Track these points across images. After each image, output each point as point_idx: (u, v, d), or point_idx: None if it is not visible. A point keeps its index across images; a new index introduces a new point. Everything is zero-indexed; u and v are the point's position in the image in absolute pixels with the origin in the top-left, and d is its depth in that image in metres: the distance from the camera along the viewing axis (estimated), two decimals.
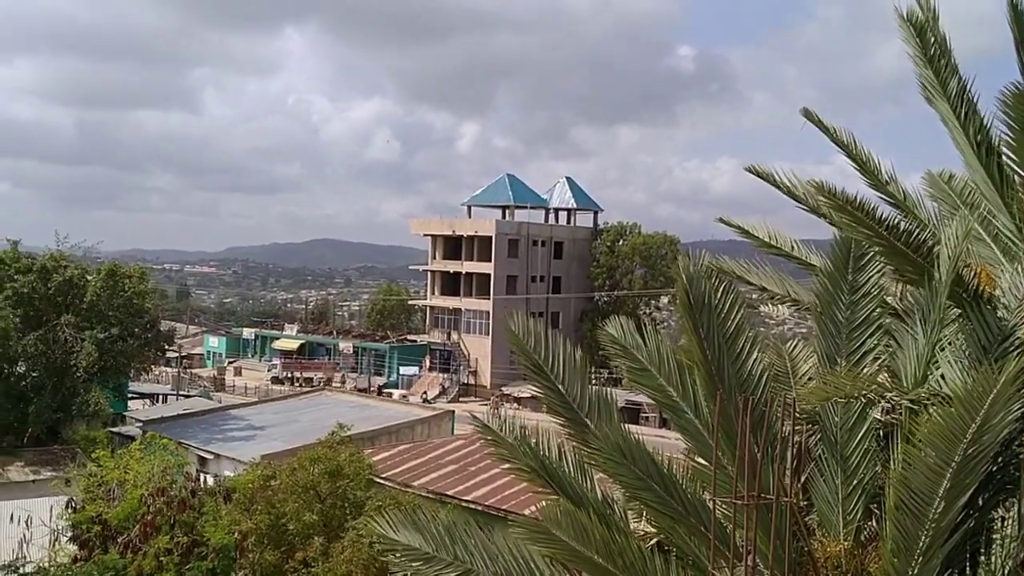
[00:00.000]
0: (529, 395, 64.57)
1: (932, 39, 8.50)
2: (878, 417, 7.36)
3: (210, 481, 21.55)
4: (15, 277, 34.31)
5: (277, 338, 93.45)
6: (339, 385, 67.87)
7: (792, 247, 9.70)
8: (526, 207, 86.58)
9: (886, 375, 7.33)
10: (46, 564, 18.24)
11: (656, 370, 7.76)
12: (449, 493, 18.41)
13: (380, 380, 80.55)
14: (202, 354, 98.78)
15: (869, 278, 7.63)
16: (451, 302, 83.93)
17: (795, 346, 8.80)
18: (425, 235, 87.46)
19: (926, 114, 8.88)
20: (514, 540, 7.57)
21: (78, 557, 17.50)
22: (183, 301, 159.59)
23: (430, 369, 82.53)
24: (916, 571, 6.23)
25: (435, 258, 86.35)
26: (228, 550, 16.46)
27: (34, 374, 34.70)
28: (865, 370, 7.31)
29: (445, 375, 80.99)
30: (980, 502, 6.57)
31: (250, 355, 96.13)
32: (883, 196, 9.18)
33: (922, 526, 6.11)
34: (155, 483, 18.13)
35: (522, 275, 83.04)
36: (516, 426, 8.07)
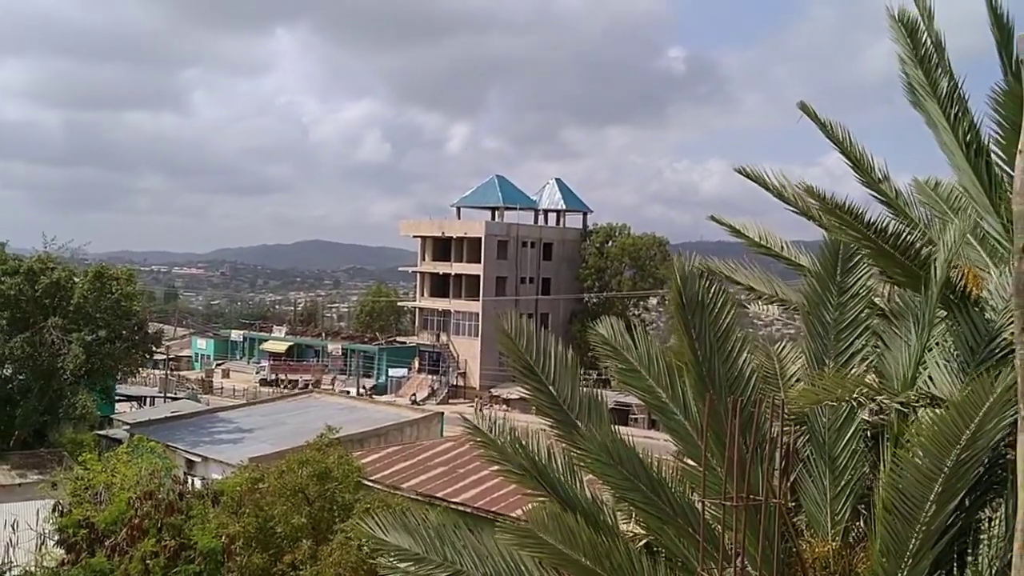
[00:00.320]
0: (518, 397, 64.56)
1: (924, 39, 8.52)
2: (866, 418, 7.38)
3: (198, 484, 21.45)
4: (2, 279, 34.11)
5: (265, 340, 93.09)
6: (330, 388, 67.61)
7: (782, 247, 9.72)
8: (515, 208, 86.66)
9: (874, 376, 7.35)
10: (33, 568, 18.11)
11: (646, 371, 7.76)
12: (438, 495, 18.37)
13: (369, 382, 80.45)
14: (190, 356, 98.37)
15: (857, 280, 7.65)
16: (440, 303, 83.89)
17: (783, 347, 8.81)
18: (415, 236, 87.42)
19: (912, 118, 8.91)
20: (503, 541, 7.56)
21: (65, 561, 17.38)
22: (171, 303, 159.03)
23: (419, 371, 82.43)
24: (905, 573, 6.24)
25: (424, 259, 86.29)
26: (216, 553, 16.38)
27: (21, 377, 34.52)
28: (853, 371, 7.32)
29: (434, 377, 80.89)
30: (967, 503, 6.59)
31: (238, 357, 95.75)
32: (876, 194, 9.20)
33: (912, 529, 6.12)
34: (143, 486, 18.03)
35: (511, 276, 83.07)
36: (506, 427, 8.06)
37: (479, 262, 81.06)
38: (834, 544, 7.05)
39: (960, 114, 8.43)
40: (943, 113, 8.48)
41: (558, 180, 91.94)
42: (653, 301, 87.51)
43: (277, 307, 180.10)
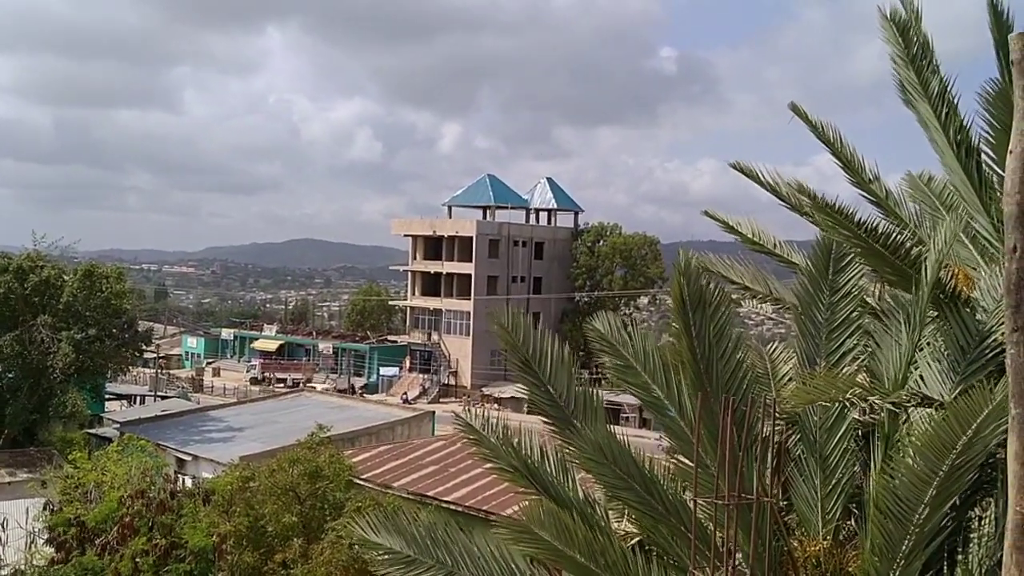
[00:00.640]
0: (509, 396, 64.53)
1: (915, 39, 8.54)
2: (857, 417, 7.40)
3: (188, 483, 21.41)
4: None
5: (256, 339, 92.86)
6: (324, 386, 67.39)
7: (775, 245, 9.73)
8: (507, 207, 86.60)
9: (865, 375, 7.36)
10: (23, 566, 18.06)
11: (641, 367, 7.75)
12: (430, 494, 18.35)
13: (360, 381, 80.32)
14: (180, 355, 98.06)
15: (849, 279, 7.68)
16: (432, 302, 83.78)
17: (775, 347, 8.83)
18: (406, 235, 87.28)
19: (904, 117, 8.94)
20: (496, 541, 7.54)
21: (55, 559, 17.33)
22: (161, 301, 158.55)
23: (410, 370, 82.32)
24: (897, 573, 6.26)
25: (416, 258, 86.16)
26: (206, 552, 16.35)
27: (10, 375, 34.41)
28: (844, 370, 7.34)
29: (425, 376, 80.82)
30: (957, 502, 6.61)
31: (229, 356, 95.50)
32: (866, 195, 9.23)
33: (906, 531, 6.13)
34: (133, 485, 17.99)
35: (503, 275, 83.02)
36: (499, 425, 8.05)
37: (470, 261, 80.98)
38: (825, 543, 7.07)
39: (950, 114, 8.46)
40: (934, 113, 8.51)
41: (549, 179, 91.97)
42: (644, 300, 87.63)
43: (268, 306, 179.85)
